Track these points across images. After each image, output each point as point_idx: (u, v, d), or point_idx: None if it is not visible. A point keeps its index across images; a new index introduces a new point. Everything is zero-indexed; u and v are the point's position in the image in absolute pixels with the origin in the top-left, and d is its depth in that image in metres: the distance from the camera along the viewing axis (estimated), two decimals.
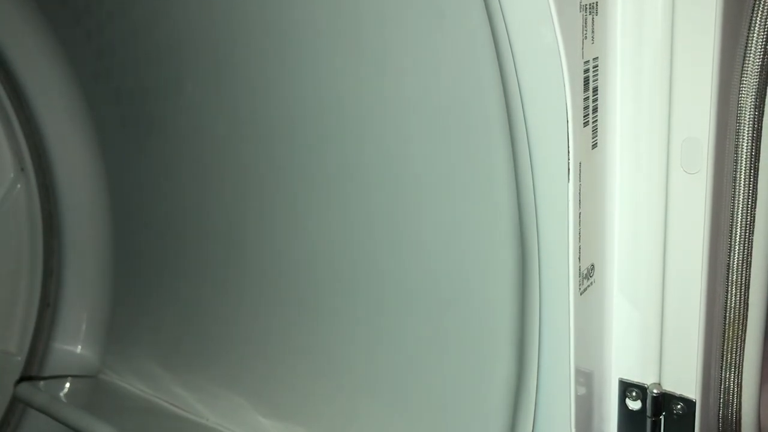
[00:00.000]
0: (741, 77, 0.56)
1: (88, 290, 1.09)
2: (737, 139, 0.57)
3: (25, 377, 1.09)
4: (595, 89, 0.56)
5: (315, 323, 0.83)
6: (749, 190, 0.58)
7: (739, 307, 0.60)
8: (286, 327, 0.86)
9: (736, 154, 0.57)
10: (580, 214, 0.56)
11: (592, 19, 0.54)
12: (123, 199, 1.04)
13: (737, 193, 0.58)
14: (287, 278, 0.84)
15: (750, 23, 0.55)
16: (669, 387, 0.61)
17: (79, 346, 1.10)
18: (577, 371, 0.59)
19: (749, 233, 0.59)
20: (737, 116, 0.56)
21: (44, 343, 1.10)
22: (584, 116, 0.55)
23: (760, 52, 0.55)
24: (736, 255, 0.59)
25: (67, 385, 1.07)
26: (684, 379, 0.60)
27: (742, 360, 0.61)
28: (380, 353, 0.78)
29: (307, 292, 0.83)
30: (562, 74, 0.52)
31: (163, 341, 1.02)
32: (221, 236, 0.90)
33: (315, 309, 0.83)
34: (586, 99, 0.55)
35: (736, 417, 0.63)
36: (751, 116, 0.56)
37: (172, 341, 1.01)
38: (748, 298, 0.60)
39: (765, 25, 0.55)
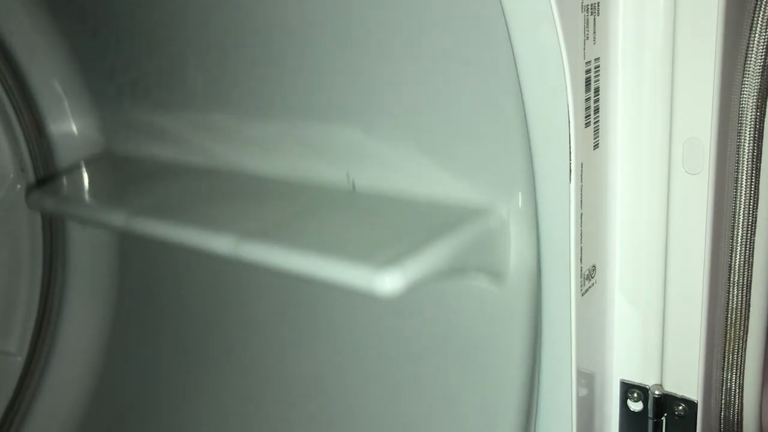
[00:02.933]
0: (743, 77, 0.56)
1: (90, 292, 1.09)
2: (739, 139, 0.57)
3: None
4: (597, 90, 0.56)
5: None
6: (751, 190, 0.58)
7: (741, 308, 0.60)
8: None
9: (738, 154, 0.57)
10: (581, 214, 0.56)
11: (594, 19, 0.54)
12: None
13: (739, 193, 0.58)
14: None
15: (751, 23, 0.55)
16: (670, 388, 0.61)
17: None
18: (579, 372, 0.59)
19: (751, 234, 0.58)
20: (739, 117, 0.56)
21: (45, 348, 1.09)
22: (586, 117, 0.55)
23: (762, 52, 0.55)
24: (737, 256, 0.59)
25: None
26: (685, 380, 0.60)
27: (744, 361, 0.61)
28: (398, 354, 0.78)
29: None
30: (564, 75, 0.52)
31: None
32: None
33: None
34: (587, 99, 0.55)
35: (737, 418, 0.63)
36: (753, 117, 0.56)
37: None
38: (749, 298, 0.60)
39: (766, 25, 0.55)
